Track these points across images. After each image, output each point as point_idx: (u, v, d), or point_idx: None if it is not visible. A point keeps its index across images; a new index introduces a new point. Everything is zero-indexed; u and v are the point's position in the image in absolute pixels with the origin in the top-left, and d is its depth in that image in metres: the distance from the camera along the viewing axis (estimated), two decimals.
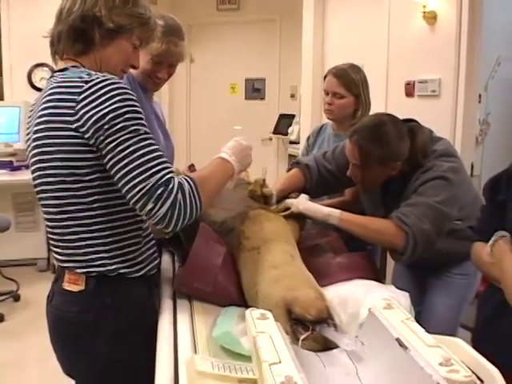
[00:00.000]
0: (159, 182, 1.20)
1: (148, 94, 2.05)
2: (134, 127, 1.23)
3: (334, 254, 1.75)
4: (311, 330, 1.12)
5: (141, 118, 1.26)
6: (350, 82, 2.28)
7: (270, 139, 5.98)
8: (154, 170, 1.21)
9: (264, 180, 1.89)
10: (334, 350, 1.08)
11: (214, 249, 1.49)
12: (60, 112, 1.25)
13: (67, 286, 1.35)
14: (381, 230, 1.73)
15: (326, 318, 1.13)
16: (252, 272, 1.41)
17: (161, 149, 1.95)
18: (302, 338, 1.11)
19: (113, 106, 1.21)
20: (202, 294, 1.45)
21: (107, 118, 1.21)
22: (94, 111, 1.21)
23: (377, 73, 3.71)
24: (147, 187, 1.20)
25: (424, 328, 1.36)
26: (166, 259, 1.87)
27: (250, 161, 1.58)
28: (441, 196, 1.73)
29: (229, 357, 1.15)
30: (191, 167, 2.19)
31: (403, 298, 1.36)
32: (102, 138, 1.21)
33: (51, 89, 1.30)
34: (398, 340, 0.89)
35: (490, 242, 1.41)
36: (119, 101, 1.22)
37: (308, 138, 2.61)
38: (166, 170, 1.24)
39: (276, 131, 5.72)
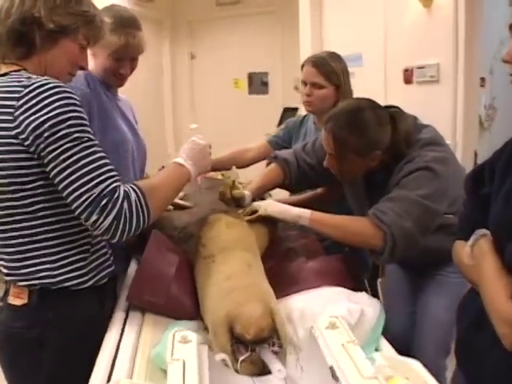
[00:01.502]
0: (104, 193, 1.15)
1: (112, 91, 1.94)
2: (77, 134, 1.16)
3: (306, 258, 1.62)
4: (250, 350, 1.00)
5: (84, 125, 1.19)
6: (329, 71, 2.13)
7: None
8: (98, 179, 1.15)
9: (234, 181, 1.77)
10: (272, 375, 0.96)
11: (166, 258, 1.37)
12: None
13: (12, 300, 1.29)
14: (356, 231, 1.59)
15: (266, 338, 1.01)
16: (205, 283, 1.30)
17: (128, 147, 1.89)
18: (240, 359, 0.99)
19: (53, 112, 1.14)
20: (155, 306, 1.33)
21: (47, 124, 1.14)
22: (33, 117, 1.14)
23: (375, 61, 3.57)
24: (91, 198, 1.14)
25: (391, 345, 1.23)
26: (133, 267, 1.76)
27: (208, 162, 1.50)
28: (425, 189, 1.57)
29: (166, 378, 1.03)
30: (161, 170, 2.08)
31: (370, 308, 1.22)
32: (42, 145, 1.15)
33: None
34: (331, 369, 0.76)
35: (470, 241, 1.27)
36: (60, 106, 1.15)
37: (283, 128, 2.45)
38: (111, 180, 1.18)
39: (280, 125, 5.57)
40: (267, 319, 1.04)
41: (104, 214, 1.14)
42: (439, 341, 1.88)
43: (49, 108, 1.14)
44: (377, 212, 1.56)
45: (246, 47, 5.79)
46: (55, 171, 1.16)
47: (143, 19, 6.23)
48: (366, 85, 3.62)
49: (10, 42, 1.26)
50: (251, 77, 5.96)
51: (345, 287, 1.44)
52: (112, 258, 1.44)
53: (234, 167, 1.88)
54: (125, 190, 1.18)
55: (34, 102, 1.15)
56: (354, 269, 1.65)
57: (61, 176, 1.15)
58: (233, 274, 1.25)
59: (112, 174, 1.19)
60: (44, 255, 1.25)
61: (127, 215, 1.16)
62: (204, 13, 5.84)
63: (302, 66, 2.21)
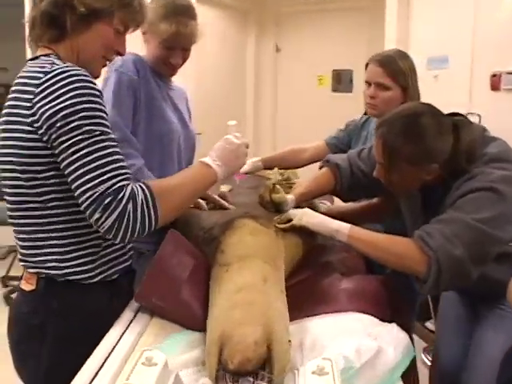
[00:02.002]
0: (108, 191, 1.10)
1: (164, 79, 1.88)
2: (89, 127, 1.11)
3: (342, 274, 1.47)
4: (233, 381, 0.88)
5: (99, 117, 1.14)
6: (396, 71, 1.92)
7: None
8: (104, 176, 1.10)
9: (274, 184, 1.64)
10: None
11: (181, 260, 1.28)
12: (18, 104, 1.16)
13: (22, 285, 1.29)
14: (398, 253, 1.41)
15: (251, 371, 0.88)
16: (215, 293, 1.19)
17: (174, 137, 1.82)
18: None
19: (68, 102, 1.10)
20: (162, 311, 1.25)
21: (60, 114, 1.10)
22: (48, 106, 1.11)
23: (461, 64, 3.28)
24: (95, 195, 1.10)
25: None
26: None
27: (242, 162, 1.39)
28: (484, 213, 1.37)
29: None
30: None
31: (392, 347, 1.06)
32: (54, 136, 1.12)
33: (17, 79, 1.22)
34: None
35: None
36: (76, 96, 1.11)
37: (343, 129, 2.28)
38: (119, 178, 1.12)
39: None
40: (260, 348, 0.91)
41: (106, 214, 1.09)
42: (492, 381, 1.68)
43: (64, 97, 1.10)
44: (423, 234, 1.38)
45: (331, 43, 5.61)
46: (64, 163, 1.12)
47: (230, 10, 6.22)
48: (449, 89, 3.36)
49: (43, 25, 1.24)
50: (336, 74, 5.76)
51: (377, 316, 1.29)
52: (130, 253, 1.38)
53: (275, 168, 1.75)
54: (132, 190, 1.12)
55: (50, 89, 1.11)
56: (395, 293, 1.48)
57: (69, 169, 1.12)
58: (244, 288, 1.13)
59: (121, 171, 1.13)
60: (53, 246, 1.22)
61: (131, 216, 1.11)
62: (292, 5, 5.72)
63: (367, 64, 2.02)
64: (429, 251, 1.34)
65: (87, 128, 1.11)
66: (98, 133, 1.12)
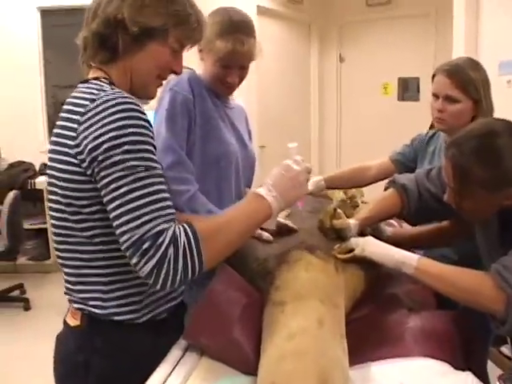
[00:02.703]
0: (147, 235, 1.00)
1: (222, 98, 1.81)
2: (132, 163, 1.02)
3: (409, 310, 1.34)
4: None
5: (144, 150, 1.04)
6: (467, 83, 1.75)
7: None
8: (143, 219, 1.01)
9: (335, 209, 1.52)
10: None
11: (232, 297, 1.19)
12: (64, 134, 1.10)
13: (68, 318, 1.24)
14: (471, 289, 1.26)
15: None
16: (268, 338, 1.09)
17: (232, 159, 1.74)
18: None
19: (111, 134, 1.02)
20: (212, 351, 1.17)
21: (102, 147, 1.02)
22: (91, 137, 1.04)
23: None
24: (133, 239, 1.01)
25: None
26: None
27: (302, 191, 1.25)
28: None
29: None
30: None
31: None
32: (96, 169, 1.04)
33: (66, 105, 1.15)
34: None
35: None
36: (120, 127, 1.02)
37: (409, 144, 2.12)
38: (159, 220, 1.02)
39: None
40: None
41: (145, 259, 1.00)
42: None
43: (107, 128, 1.02)
44: (500, 267, 1.23)
45: (396, 50, 5.46)
46: (106, 200, 1.04)
47: (292, 22, 6.17)
48: None
49: (95, 46, 1.17)
50: (402, 82, 5.58)
51: (448, 361, 1.15)
52: (181, 289, 1.31)
53: (336, 191, 1.63)
54: (174, 233, 1.03)
55: (95, 119, 1.04)
56: (469, 333, 1.33)
57: (109, 206, 1.04)
58: (297, 333, 1.02)
59: (162, 212, 1.03)
60: (97, 283, 1.16)
61: (171, 263, 1.01)
62: (354, 14, 5.61)
63: (433, 75, 1.87)
64: (507, 288, 1.20)
65: (130, 164, 1.02)
66: (141, 169, 1.03)
